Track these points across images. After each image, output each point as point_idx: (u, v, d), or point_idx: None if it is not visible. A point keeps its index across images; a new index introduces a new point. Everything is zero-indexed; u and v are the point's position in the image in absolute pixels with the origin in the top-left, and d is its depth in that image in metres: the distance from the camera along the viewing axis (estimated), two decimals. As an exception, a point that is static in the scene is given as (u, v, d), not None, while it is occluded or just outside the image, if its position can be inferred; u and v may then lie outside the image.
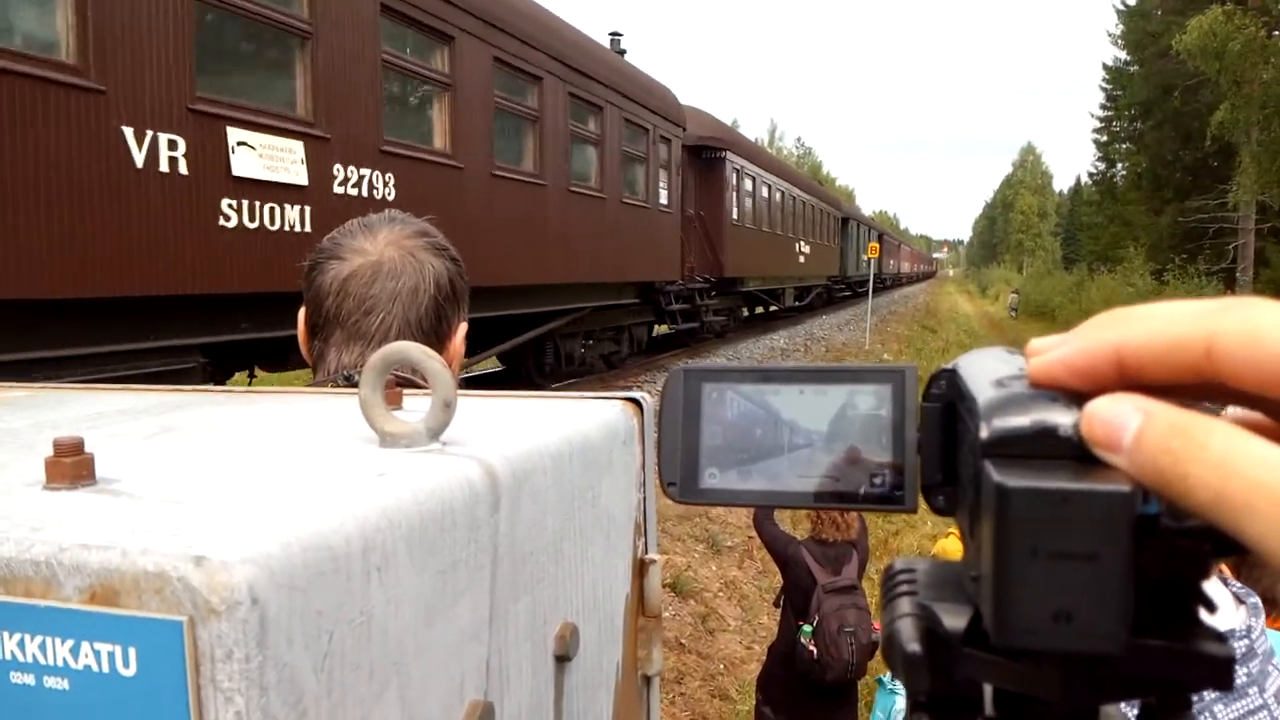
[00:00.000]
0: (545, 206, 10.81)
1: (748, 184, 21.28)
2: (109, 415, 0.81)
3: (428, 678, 0.54)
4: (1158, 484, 0.30)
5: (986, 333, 38.73)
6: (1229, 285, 30.90)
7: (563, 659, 0.72)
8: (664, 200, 15.40)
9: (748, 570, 7.18)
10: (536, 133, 10.70)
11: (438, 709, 0.55)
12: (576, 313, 12.21)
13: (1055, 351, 0.34)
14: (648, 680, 0.91)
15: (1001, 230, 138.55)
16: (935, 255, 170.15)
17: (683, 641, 5.68)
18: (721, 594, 6.61)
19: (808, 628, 3.88)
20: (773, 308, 28.72)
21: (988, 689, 0.37)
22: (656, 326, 17.54)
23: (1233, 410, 0.35)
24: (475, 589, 0.60)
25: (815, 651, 3.83)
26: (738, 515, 7.63)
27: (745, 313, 25.88)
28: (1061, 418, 0.33)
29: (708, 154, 18.80)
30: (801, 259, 28.51)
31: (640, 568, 0.90)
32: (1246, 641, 1.05)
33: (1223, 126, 27.30)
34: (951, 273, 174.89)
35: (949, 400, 0.40)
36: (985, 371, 0.38)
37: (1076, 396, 0.33)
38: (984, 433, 0.33)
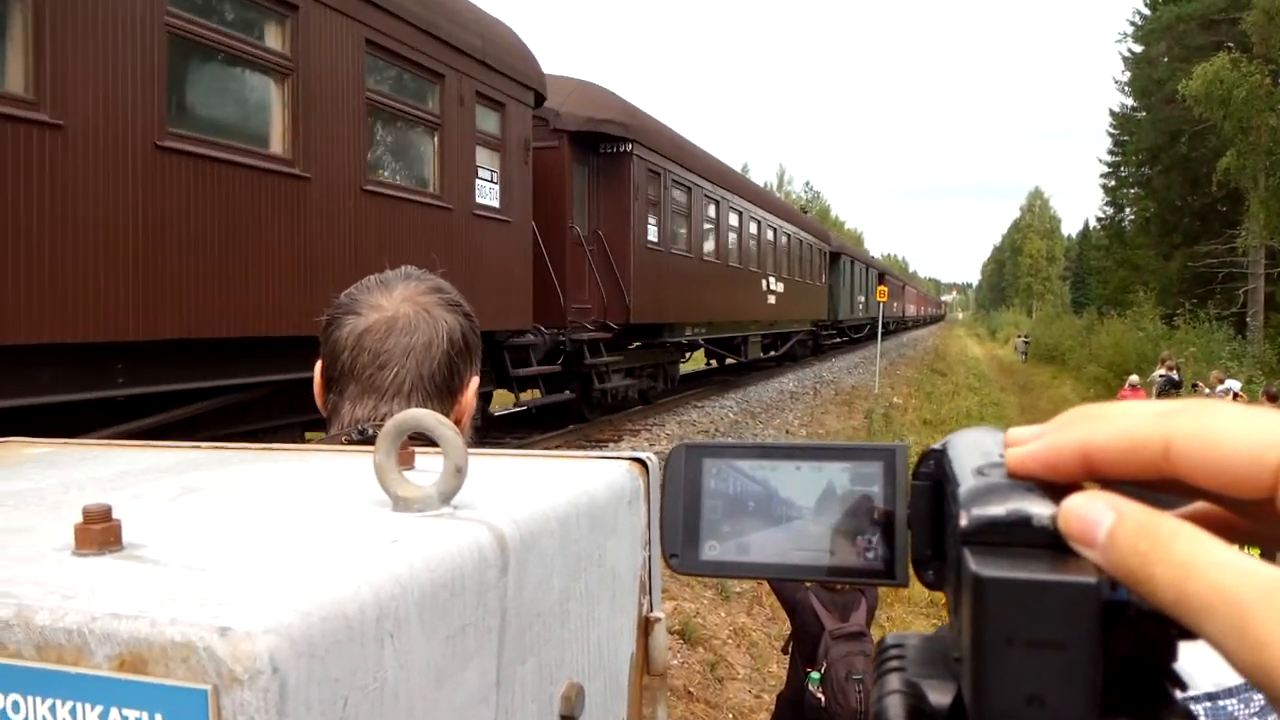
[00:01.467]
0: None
1: (677, 195, 16.12)
2: (132, 474, 0.83)
3: (437, 740, 0.56)
4: (1128, 581, 0.32)
5: (996, 376, 38.64)
6: (1239, 330, 30.84)
7: (568, 719, 0.74)
8: (489, 200, 9.72)
9: (757, 617, 7.14)
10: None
11: (446, 770, 0.57)
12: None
13: (1029, 446, 0.36)
14: (652, 737, 0.92)
15: (1010, 274, 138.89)
16: (944, 298, 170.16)
17: (691, 690, 5.63)
18: (730, 641, 6.57)
19: (816, 675, 3.85)
20: (730, 361, 23.12)
21: None
22: (515, 398, 11.43)
23: (1199, 504, 0.37)
24: (483, 652, 0.62)
25: (823, 699, 3.80)
26: (746, 560, 7.57)
27: (697, 366, 21.20)
28: (1036, 509, 0.35)
29: (607, 147, 13.40)
30: (771, 300, 23.12)
31: (645, 626, 0.91)
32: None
33: (1228, 173, 27.41)
34: (960, 316, 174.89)
35: (937, 480, 0.42)
36: (969, 456, 0.40)
37: (1052, 487, 0.36)
38: (963, 521, 0.36)
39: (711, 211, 18.40)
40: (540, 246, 11.42)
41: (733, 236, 19.99)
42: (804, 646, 3.99)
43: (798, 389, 21.30)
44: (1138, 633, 0.35)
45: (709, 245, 18.23)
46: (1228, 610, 0.29)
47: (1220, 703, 1.03)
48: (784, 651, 4.45)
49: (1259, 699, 1.03)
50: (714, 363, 24.28)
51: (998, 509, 0.35)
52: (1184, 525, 0.31)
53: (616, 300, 13.44)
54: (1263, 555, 0.43)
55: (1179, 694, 0.36)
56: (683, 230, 16.67)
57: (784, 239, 25.07)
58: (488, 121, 9.87)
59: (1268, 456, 0.30)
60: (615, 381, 14.16)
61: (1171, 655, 0.36)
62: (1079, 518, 0.33)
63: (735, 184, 20.69)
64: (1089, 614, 0.32)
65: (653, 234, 14.68)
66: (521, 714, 0.67)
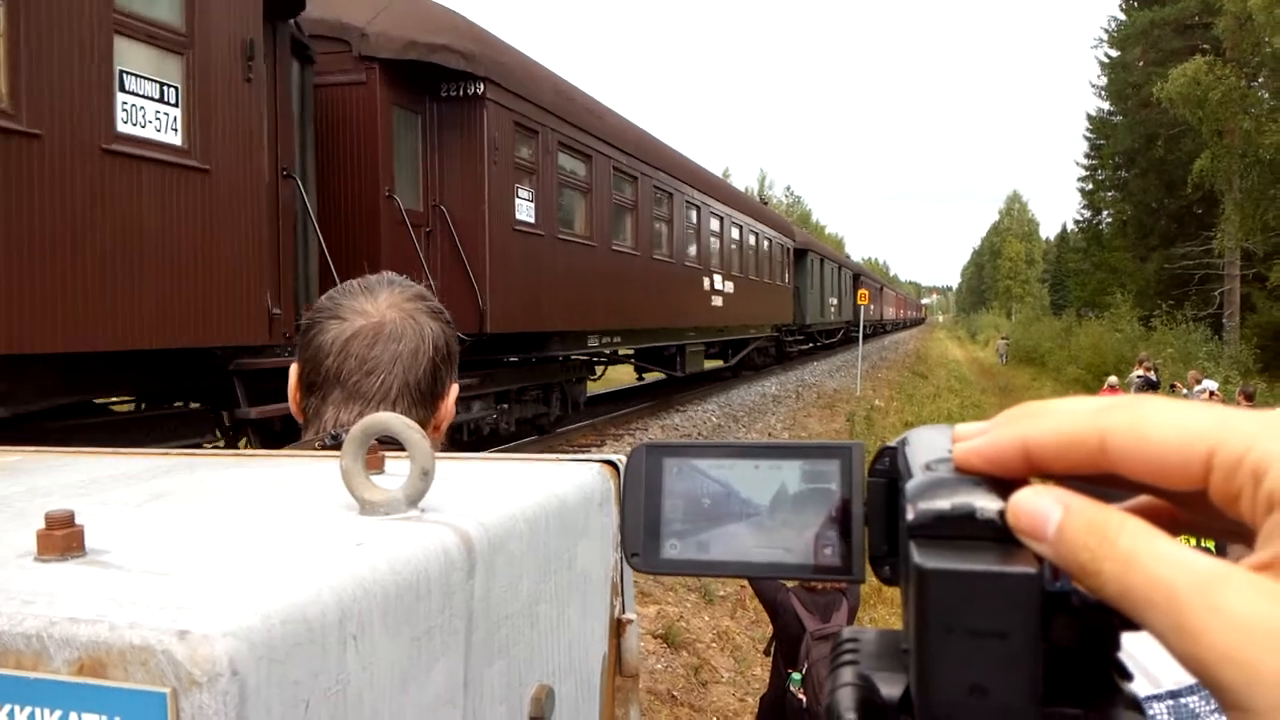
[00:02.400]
0: None
1: (569, 163, 11.88)
2: (101, 481, 0.83)
3: (403, 742, 0.56)
4: (1076, 575, 0.33)
5: (977, 379, 38.86)
6: (1216, 330, 31.14)
7: (538, 720, 0.74)
8: (151, 131, 5.77)
9: (740, 620, 7.14)
10: None
11: (413, 772, 0.57)
12: None
13: (973, 442, 0.37)
14: (625, 739, 0.92)
15: (990, 277, 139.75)
16: (924, 301, 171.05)
17: (675, 694, 5.63)
18: (714, 645, 6.57)
19: (797, 676, 3.87)
20: (661, 375, 18.91)
21: None
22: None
23: (1143, 497, 0.38)
24: (450, 654, 0.62)
25: (805, 700, 3.81)
26: (729, 564, 7.58)
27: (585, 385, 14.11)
28: (980, 502, 0.36)
29: (450, 88, 9.47)
30: (717, 301, 18.98)
31: (617, 628, 0.92)
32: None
33: (1203, 175, 27.70)
34: (941, 319, 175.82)
35: (892, 476, 0.43)
36: (921, 453, 0.41)
37: (999, 482, 0.36)
38: (910, 515, 0.36)
39: (628, 191, 13.97)
40: (311, 220, 7.54)
41: (661, 225, 15.68)
42: (786, 648, 4.00)
43: (780, 392, 21.35)
44: (1081, 623, 0.35)
45: (624, 233, 13.83)
46: (1165, 603, 0.29)
47: (1182, 700, 1.04)
48: (766, 653, 4.46)
49: None
50: (644, 378, 20.75)
51: (943, 503, 0.36)
52: (1130, 519, 0.32)
53: (466, 301, 9.35)
54: (1216, 549, 0.44)
55: (1130, 686, 0.37)
56: (579, 211, 12.36)
57: (734, 231, 20.69)
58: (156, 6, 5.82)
59: (1196, 448, 0.31)
60: (474, 412, 9.95)
61: (1115, 645, 0.36)
62: (1027, 512, 0.34)
63: (665, 160, 15.93)
64: (1029, 604, 0.32)
65: (525, 212, 10.49)
66: (490, 716, 0.67)
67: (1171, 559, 0.30)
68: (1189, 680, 1.04)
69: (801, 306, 29.74)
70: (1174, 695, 1.04)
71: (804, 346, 33.48)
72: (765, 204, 29.18)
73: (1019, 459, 0.35)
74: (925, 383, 29.91)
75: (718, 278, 19.22)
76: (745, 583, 5.14)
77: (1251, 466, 0.30)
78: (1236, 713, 0.28)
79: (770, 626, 4.30)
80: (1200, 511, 0.33)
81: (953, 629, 0.33)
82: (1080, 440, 0.33)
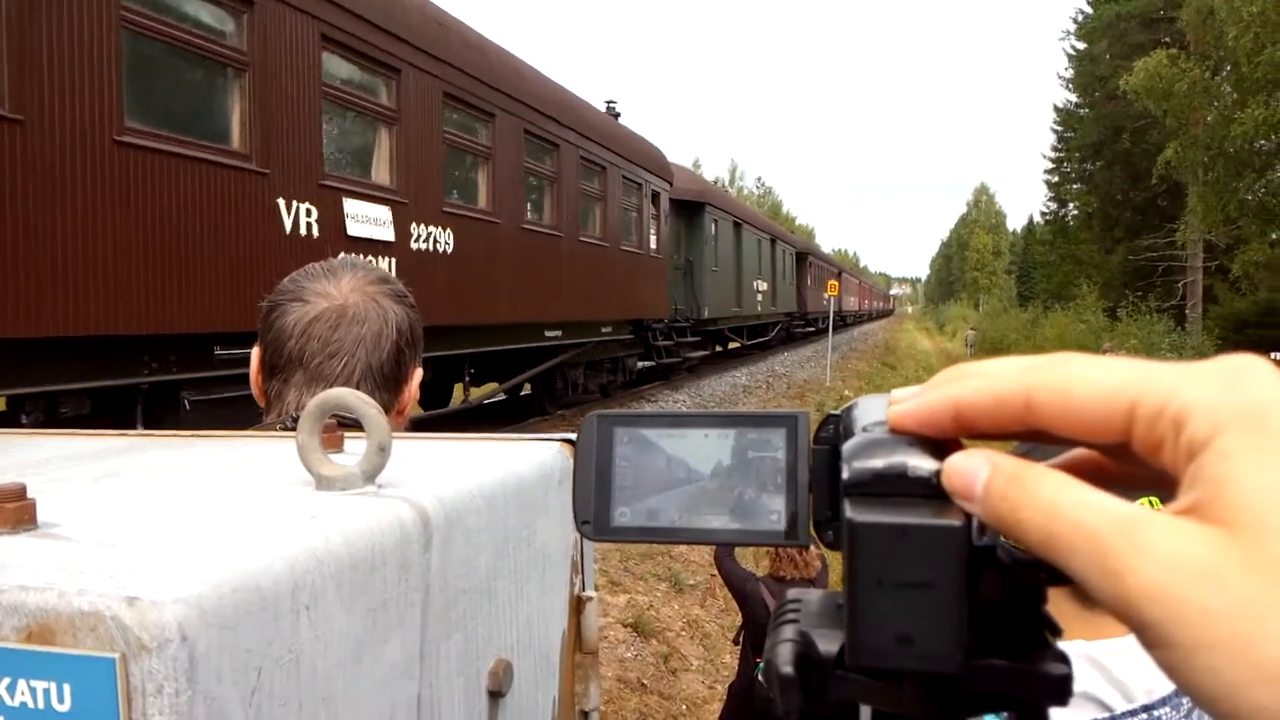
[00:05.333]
0: None
1: None
2: (55, 460, 0.83)
3: (357, 713, 0.57)
4: (1001, 527, 0.34)
5: (945, 369, 39.10)
6: (1179, 321, 31.60)
7: (496, 695, 0.74)
8: None
9: (710, 609, 7.18)
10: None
11: (368, 742, 0.58)
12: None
13: (907, 404, 0.38)
14: (585, 716, 0.93)
15: (958, 268, 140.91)
16: (893, 292, 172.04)
17: (644, 682, 5.66)
18: (684, 633, 6.60)
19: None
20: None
21: (865, 710, 0.41)
22: None
23: (1077, 451, 0.39)
24: (406, 626, 0.62)
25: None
26: (700, 554, 7.64)
27: None
28: (913, 460, 0.37)
29: None
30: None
31: (577, 605, 0.92)
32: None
33: (1169, 166, 28.05)
34: (910, 310, 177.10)
35: (835, 443, 0.44)
36: (860, 419, 0.42)
37: (932, 442, 0.37)
38: (845, 473, 0.37)
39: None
40: None
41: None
42: (754, 636, 4.03)
43: (751, 383, 21.43)
44: (1008, 578, 0.37)
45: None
46: (1088, 546, 0.30)
47: (1155, 713, 1.05)
48: (735, 642, 4.49)
49: (1187, 703, 1.05)
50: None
51: (877, 461, 0.37)
52: (1049, 471, 0.33)
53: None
54: (1162, 503, 0.46)
55: (1059, 642, 0.38)
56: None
57: (510, 145, 11.00)
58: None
59: (1118, 401, 0.32)
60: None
61: (1042, 599, 0.37)
62: (959, 472, 0.35)
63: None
64: (954, 555, 0.34)
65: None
66: (447, 688, 0.68)
67: (1093, 504, 0.31)
68: (1161, 693, 1.05)
69: (696, 290, 19.75)
70: (1147, 709, 1.05)
71: (700, 354, 21.62)
72: (616, 116, 15.97)
73: (950, 419, 0.36)
74: (894, 373, 30.14)
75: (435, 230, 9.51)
76: (715, 572, 5.16)
77: (1172, 416, 0.31)
78: (1162, 650, 0.29)
79: (739, 615, 4.33)
80: (1129, 462, 0.34)
81: (882, 581, 0.34)
82: (1007, 399, 0.34)
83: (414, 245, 9.21)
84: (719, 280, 21.73)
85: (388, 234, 8.53)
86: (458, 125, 10.17)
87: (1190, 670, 0.28)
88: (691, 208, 19.90)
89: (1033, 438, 0.36)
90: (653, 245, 17.09)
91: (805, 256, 37.67)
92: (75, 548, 0.52)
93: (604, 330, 14.66)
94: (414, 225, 9.24)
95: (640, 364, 18.02)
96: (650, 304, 16.82)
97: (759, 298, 27.18)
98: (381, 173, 8.88)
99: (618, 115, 16.48)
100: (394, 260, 8.59)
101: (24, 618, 0.45)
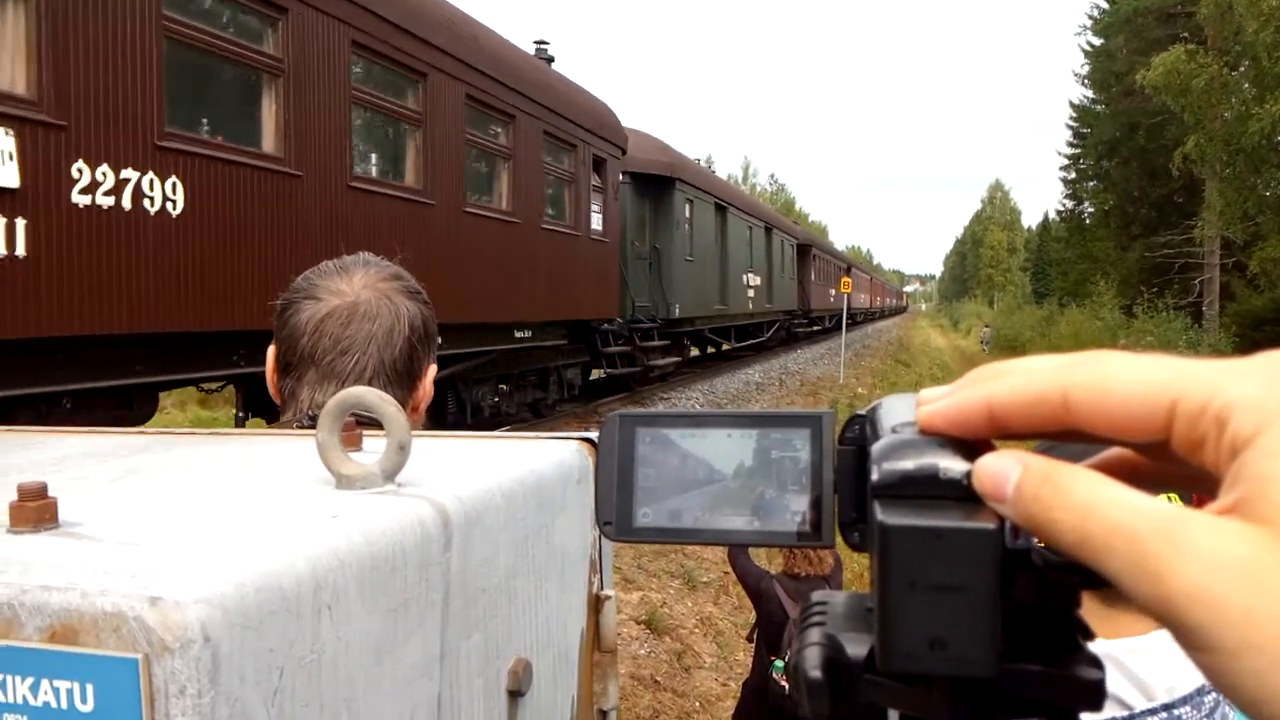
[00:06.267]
0: None
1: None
2: (75, 458, 0.83)
3: (378, 713, 0.57)
4: (1033, 528, 0.33)
5: (960, 367, 39.04)
6: (1196, 319, 31.37)
7: (515, 694, 0.74)
8: None
9: (724, 606, 7.17)
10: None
11: (389, 742, 0.57)
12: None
13: (938, 403, 0.37)
14: (604, 715, 0.93)
15: (972, 265, 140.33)
16: (907, 289, 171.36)
17: (658, 679, 5.66)
18: (697, 630, 6.60)
19: (780, 662, 3.88)
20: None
21: (893, 715, 0.40)
22: None
23: (1112, 450, 0.38)
24: (426, 626, 0.62)
25: (788, 686, 3.83)
26: (713, 551, 7.63)
27: None
28: (944, 462, 0.36)
29: None
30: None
31: (595, 603, 0.92)
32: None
33: (1188, 160, 27.83)
34: (924, 307, 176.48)
35: (861, 444, 0.43)
36: (888, 419, 0.41)
37: (962, 443, 0.37)
38: (874, 475, 0.37)
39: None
40: None
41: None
42: (769, 634, 4.02)
43: (764, 380, 21.40)
44: (1042, 581, 0.36)
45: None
46: (1126, 547, 0.30)
47: (1175, 712, 1.04)
48: (749, 640, 4.48)
49: (1209, 702, 1.05)
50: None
51: (907, 463, 0.36)
52: (1082, 471, 0.32)
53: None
54: (1183, 500, 0.45)
55: (1090, 646, 0.37)
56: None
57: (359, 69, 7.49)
58: None
59: (1159, 399, 0.31)
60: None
61: (1076, 603, 0.37)
62: (989, 473, 0.34)
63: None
64: (988, 559, 0.33)
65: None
66: (467, 688, 0.68)
67: (1130, 504, 0.30)
68: (1181, 691, 1.04)
69: (664, 285, 16.13)
70: (1167, 708, 1.04)
71: (671, 360, 17.44)
72: (549, 61, 12.79)
73: (983, 419, 0.35)
74: (908, 370, 30.03)
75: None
76: (729, 569, 5.16)
77: (1215, 414, 0.30)
78: (1203, 653, 0.28)
79: (753, 613, 4.32)
80: (1167, 460, 0.34)
81: (915, 585, 0.33)
82: (1043, 398, 0.33)
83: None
84: (695, 273, 17.81)
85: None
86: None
87: (1233, 674, 0.28)
88: (658, 184, 15.83)
89: (1068, 437, 0.35)
90: (595, 226, 12.97)
91: (808, 249, 33.49)
92: (97, 547, 0.52)
93: (519, 336, 10.96)
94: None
95: (603, 373, 14.92)
96: (593, 301, 12.97)
97: (750, 294, 23.18)
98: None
99: (550, 60, 12.73)
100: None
101: (47, 618, 0.44)
